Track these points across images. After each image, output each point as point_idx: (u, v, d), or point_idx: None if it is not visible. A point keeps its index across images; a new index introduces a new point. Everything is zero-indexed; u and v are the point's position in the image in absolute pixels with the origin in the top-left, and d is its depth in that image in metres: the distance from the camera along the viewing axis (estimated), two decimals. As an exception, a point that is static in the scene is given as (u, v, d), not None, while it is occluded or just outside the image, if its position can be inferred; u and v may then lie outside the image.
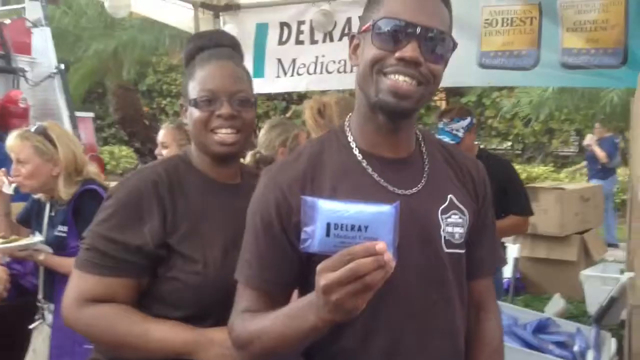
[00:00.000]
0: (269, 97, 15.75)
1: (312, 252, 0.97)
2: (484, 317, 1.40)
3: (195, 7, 4.42)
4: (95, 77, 12.72)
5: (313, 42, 4.08)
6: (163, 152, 3.17)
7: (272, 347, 1.16)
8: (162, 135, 3.21)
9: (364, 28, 1.23)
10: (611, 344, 2.56)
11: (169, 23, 5.02)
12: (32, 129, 2.66)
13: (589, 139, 8.85)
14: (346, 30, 3.95)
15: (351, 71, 3.90)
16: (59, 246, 2.55)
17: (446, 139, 3.34)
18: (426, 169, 1.30)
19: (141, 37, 9.36)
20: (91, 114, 8.93)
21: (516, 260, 4.37)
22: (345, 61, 3.93)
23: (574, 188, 5.37)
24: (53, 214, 2.64)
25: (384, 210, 0.94)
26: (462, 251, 1.30)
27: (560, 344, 2.52)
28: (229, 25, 4.53)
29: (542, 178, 12.64)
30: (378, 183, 1.24)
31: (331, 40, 4.02)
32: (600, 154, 8.63)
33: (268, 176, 1.29)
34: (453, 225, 1.27)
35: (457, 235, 1.27)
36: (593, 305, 3.55)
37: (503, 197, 3.22)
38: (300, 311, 1.07)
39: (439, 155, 1.35)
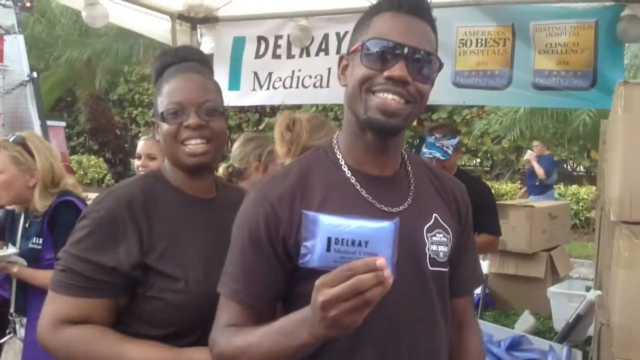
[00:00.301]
0: (242, 109, 15.75)
1: (311, 267, 0.97)
2: (466, 334, 1.44)
3: (173, 19, 4.41)
4: (65, 85, 12.58)
5: (290, 56, 4.10)
6: (150, 164, 3.11)
7: None
8: (147, 146, 3.13)
9: (353, 49, 1.26)
10: (579, 360, 2.62)
11: (146, 34, 4.99)
12: (11, 139, 2.63)
13: (529, 155, 9.10)
14: (323, 46, 3.98)
15: (327, 86, 3.95)
16: (34, 258, 2.51)
17: (437, 154, 3.43)
18: (412, 188, 1.32)
19: (116, 45, 9.29)
20: (62, 123, 8.84)
21: (485, 276, 4.43)
22: (321, 76, 3.97)
23: (543, 206, 5.47)
24: (27, 225, 2.60)
25: (384, 226, 0.96)
26: (446, 269, 1.32)
27: (533, 362, 2.57)
28: (206, 38, 4.53)
29: (509, 195, 12.86)
30: (366, 200, 1.25)
31: (308, 55, 4.04)
32: (539, 170, 8.85)
33: (257, 190, 1.30)
34: (437, 243, 1.30)
35: (441, 254, 1.30)
36: (559, 321, 3.61)
37: (476, 216, 3.29)
38: (292, 327, 1.07)
39: (424, 176, 1.38)
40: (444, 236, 1.31)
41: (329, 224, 0.95)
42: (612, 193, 1.56)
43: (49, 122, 5.47)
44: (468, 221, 1.43)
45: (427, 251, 1.28)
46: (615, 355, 1.60)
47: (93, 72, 9.89)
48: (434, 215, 1.32)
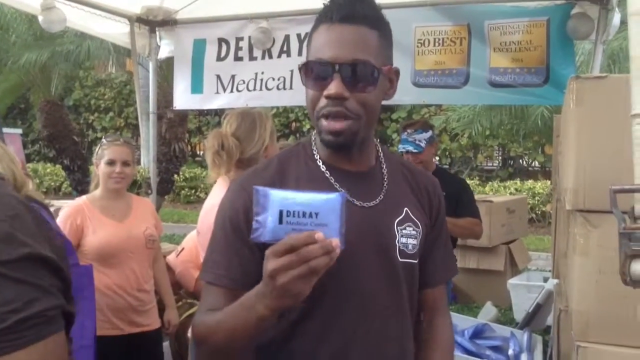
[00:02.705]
0: (202, 112, 15.62)
1: (263, 241, 1.00)
2: (437, 322, 1.48)
3: (132, 22, 4.39)
4: (18, 92, 12.26)
5: (252, 58, 4.12)
6: (126, 171, 3.00)
7: (225, 341, 1.19)
8: (122, 152, 3.00)
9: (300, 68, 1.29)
10: (541, 347, 2.70)
11: (104, 38, 4.94)
12: None
13: None
14: (285, 48, 4.02)
15: (290, 88, 3.98)
16: None
17: (409, 148, 3.49)
18: (385, 184, 1.37)
19: (74, 49, 9.13)
20: (19, 130, 8.62)
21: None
22: (284, 78, 4.00)
23: (501, 200, 5.60)
24: None
25: (332, 197, 0.99)
26: (415, 261, 1.37)
27: (496, 348, 2.64)
28: (165, 41, 4.52)
29: (469, 191, 13.05)
30: None
31: (270, 57, 4.07)
32: None
33: (237, 182, 1.35)
34: (407, 236, 1.35)
35: (410, 246, 1.35)
36: (520, 312, 3.71)
37: (459, 205, 3.47)
38: (249, 301, 1.10)
39: (398, 172, 1.43)
40: (413, 230, 1.36)
41: (281, 197, 0.98)
42: (566, 184, 1.63)
43: (5, 130, 5.34)
44: (440, 216, 1.47)
45: (397, 243, 1.33)
46: (574, 338, 1.67)
47: (48, 78, 9.66)
48: (405, 209, 1.37)
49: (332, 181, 1.32)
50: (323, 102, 1.23)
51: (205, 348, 1.26)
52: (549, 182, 12.36)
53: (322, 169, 1.33)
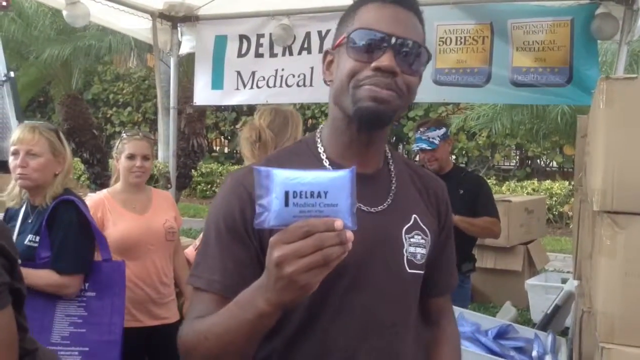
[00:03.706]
0: (219, 108, 15.69)
1: (268, 227, 0.89)
2: (440, 334, 1.43)
3: (154, 17, 4.42)
4: (38, 86, 12.38)
5: (272, 55, 4.14)
6: (145, 165, 3.03)
7: (216, 347, 1.05)
8: (142, 147, 3.03)
9: (337, 42, 1.21)
10: (565, 350, 2.68)
11: (127, 33, 4.99)
12: (41, 125, 2.61)
13: None
14: (305, 45, 4.02)
15: (310, 85, 3.99)
16: (28, 256, 2.44)
17: (423, 145, 3.49)
18: (393, 188, 1.28)
19: (96, 44, 9.23)
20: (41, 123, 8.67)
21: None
22: (304, 75, 4.00)
23: (519, 200, 5.57)
24: (30, 221, 2.54)
25: (341, 174, 0.90)
26: (422, 272, 1.28)
27: (519, 350, 2.61)
28: (187, 37, 4.55)
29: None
30: None
31: (290, 54, 4.08)
32: None
33: (233, 178, 1.23)
34: (415, 245, 1.26)
35: (418, 256, 1.26)
36: (537, 313, 3.69)
37: (475, 203, 3.47)
38: (247, 297, 0.99)
39: (406, 175, 1.34)
40: (422, 238, 1.27)
41: (285, 177, 0.88)
42: (594, 184, 1.62)
43: (26, 122, 5.39)
44: (447, 221, 1.39)
45: (404, 252, 1.24)
46: (598, 340, 1.66)
47: (69, 72, 9.77)
48: (414, 216, 1.28)
49: None
50: (367, 73, 1.15)
51: (201, 355, 1.08)
52: (567, 183, 12.25)
53: (327, 168, 1.23)
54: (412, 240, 1.25)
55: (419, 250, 1.26)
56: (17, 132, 2.53)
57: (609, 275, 1.60)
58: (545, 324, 3.25)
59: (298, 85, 4.04)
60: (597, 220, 1.64)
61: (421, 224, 1.28)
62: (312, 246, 0.86)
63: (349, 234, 0.88)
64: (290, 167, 1.15)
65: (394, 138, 14.58)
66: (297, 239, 0.87)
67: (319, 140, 1.29)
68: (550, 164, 14.93)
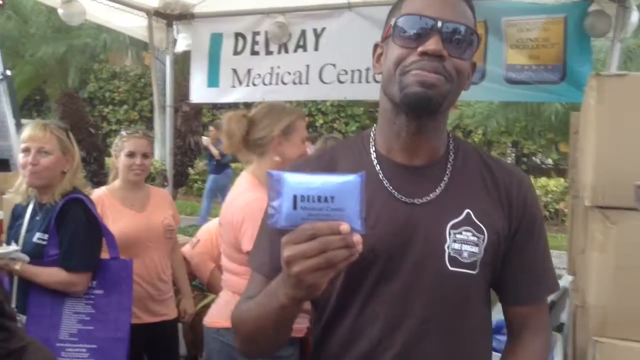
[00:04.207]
0: (215, 106, 15.67)
1: (280, 227, 0.94)
2: (524, 335, 1.32)
3: (149, 15, 4.43)
4: (34, 84, 12.37)
5: (268, 52, 4.14)
6: (145, 163, 3.06)
7: (252, 330, 1.14)
8: (141, 145, 3.06)
9: (385, 33, 1.22)
10: (560, 344, 2.70)
11: (122, 31, 4.99)
12: (52, 123, 2.62)
13: (205, 141, 9.87)
14: (301, 43, 4.03)
15: (306, 82, 4.00)
16: (37, 254, 2.46)
17: None
18: (445, 179, 1.23)
19: (91, 42, 9.23)
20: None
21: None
22: (300, 73, 4.01)
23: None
24: (38, 218, 2.54)
25: (350, 180, 0.92)
26: (472, 272, 1.20)
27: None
28: (182, 35, 4.56)
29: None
30: (386, 188, 1.21)
31: (286, 51, 4.09)
32: (215, 151, 9.63)
33: (290, 168, 1.28)
34: (462, 242, 1.19)
35: (465, 254, 1.19)
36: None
37: None
38: (273, 288, 1.04)
39: (473, 168, 1.28)
40: (473, 235, 1.19)
41: (294, 182, 0.91)
42: (586, 180, 1.64)
43: (23, 121, 5.40)
44: (525, 218, 1.27)
45: (446, 249, 1.18)
46: (591, 334, 1.68)
47: (65, 70, 9.77)
48: (467, 211, 1.21)
49: (381, 176, 1.23)
50: (414, 58, 1.13)
51: (239, 337, 1.20)
52: (562, 180, 12.30)
53: (374, 162, 1.24)
54: (458, 236, 1.19)
55: (466, 247, 1.19)
56: (28, 129, 2.54)
57: (601, 269, 1.62)
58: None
59: (294, 83, 4.04)
60: (589, 215, 1.67)
61: (475, 220, 1.21)
62: (317, 249, 0.89)
63: (357, 238, 0.90)
64: (342, 160, 1.26)
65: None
66: (303, 241, 0.90)
67: (372, 135, 1.30)
68: (546, 162, 14.98)
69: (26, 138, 2.51)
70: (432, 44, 1.11)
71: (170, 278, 3.18)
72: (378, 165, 1.24)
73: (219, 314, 2.44)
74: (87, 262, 2.50)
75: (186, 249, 3.59)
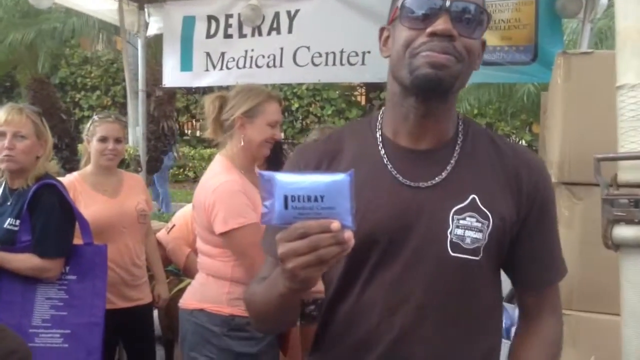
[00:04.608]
0: (189, 90, 15.54)
1: (273, 225, 0.97)
2: (536, 321, 1.33)
3: (120, -2, 4.35)
4: (4, 69, 12.11)
5: (242, 36, 4.10)
6: (118, 148, 3.03)
7: (258, 313, 1.23)
8: (114, 129, 3.03)
9: (391, 16, 1.20)
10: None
11: (93, 15, 4.90)
12: (27, 107, 2.57)
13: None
14: (274, 25, 4.00)
15: (280, 66, 3.97)
16: (8, 240, 2.44)
17: None
18: (452, 162, 1.21)
19: (61, 27, 9.05)
20: (7, 107, 8.50)
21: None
22: (274, 55, 3.98)
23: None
24: (9, 203, 2.51)
25: (338, 179, 0.94)
26: (476, 258, 1.18)
27: (488, 322, 2.68)
28: (154, 18, 4.49)
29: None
30: (390, 172, 1.21)
31: (260, 34, 4.05)
32: None
33: (296, 151, 1.35)
34: (466, 228, 1.17)
35: (468, 240, 1.17)
36: (504, 287, 3.76)
37: None
38: (275, 277, 1.09)
39: (482, 151, 1.25)
40: (477, 221, 1.17)
41: (285, 182, 0.94)
42: (552, 157, 1.68)
43: (11, 104, 5.29)
44: (536, 204, 1.24)
45: (448, 234, 1.17)
46: (558, 308, 1.72)
47: (35, 55, 9.58)
48: (472, 196, 1.19)
49: (385, 160, 1.22)
50: (423, 39, 1.11)
51: (251, 315, 1.28)
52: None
53: (379, 145, 1.24)
54: (462, 222, 1.17)
55: (469, 233, 1.17)
56: (2, 113, 2.50)
57: (567, 244, 1.65)
58: (511, 297, 3.33)
59: (268, 66, 4.01)
60: (556, 192, 1.70)
61: (480, 206, 1.18)
62: (307, 247, 0.92)
63: (348, 234, 0.92)
64: (348, 143, 1.27)
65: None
66: (294, 239, 0.93)
67: (380, 117, 1.29)
68: (520, 142, 15.16)
69: (2, 122, 2.47)
70: (441, 24, 1.10)
71: (145, 263, 3.17)
72: (383, 149, 1.24)
73: (192, 296, 2.45)
74: (60, 248, 2.49)
75: (161, 234, 3.58)
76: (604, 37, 7.46)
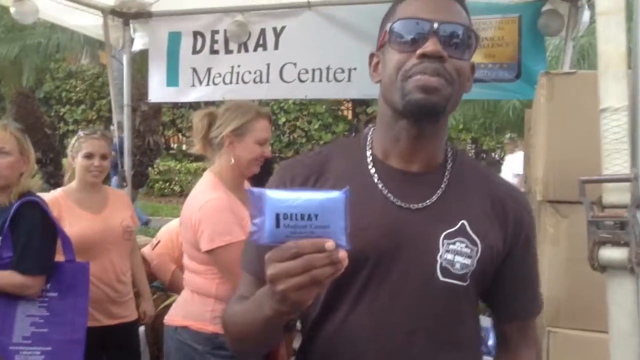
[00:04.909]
0: (176, 105, 15.51)
1: (262, 244, 0.91)
2: (514, 353, 1.34)
3: (105, 14, 4.34)
4: (-13, 83, 12.06)
5: (228, 52, 4.11)
6: (103, 164, 3.01)
7: (239, 334, 1.16)
8: (100, 146, 3.01)
9: (380, 41, 1.21)
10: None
11: (78, 30, 4.88)
12: (10, 124, 2.56)
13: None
14: (261, 42, 4.01)
15: (267, 81, 3.98)
16: None
17: None
18: (442, 187, 1.21)
19: (45, 41, 9.03)
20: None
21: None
22: (260, 71, 3.99)
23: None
24: None
25: (333, 196, 0.90)
26: (463, 283, 1.17)
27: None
28: (139, 33, 4.48)
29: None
30: (381, 192, 1.20)
31: (246, 50, 4.06)
32: None
33: (282, 167, 1.30)
34: (455, 253, 1.16)
35: (457, 265, 1.16)
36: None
37: None
38: (260, 298, 1.03)
39: (470, 179, 1.26)
40: (467, 246, 1.17)
41: (276, 200, 0.88)
42: (537, 175, 1.69)
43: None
44: (521, 237, 1.25)
45: (438, 258, 1.16)
46: (545, 325, 1.73)
47: (19, 70, 9.55)
48: (462, 222, 1.18)
49: (376, 179, 1.21)
50: (414, 61, 1.12)
51: (229, 337, 1.21)
52: (520, 176, 12.55)
53: (369, 165, 1.23)
54: (451, 246, 1.16)
55: (459, 259, 1.16)
56: None
57: (553, 261, 1.67)
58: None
59: (254, 82, 4.02)
60: (541, 209, 1.72)
61: (470, 232, 1.18)
62: (301, 267, 0.87)
63: (342, 254, 0.88)
64: (336, 160, 1.24)
65: (354, 134, 14.67)
66: (287, 259, 0.88)
67: (369, 136, 1.28)
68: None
69: None
70: (430, 46, 1.10)
71: (130, 280, 3.14)
72: (373, 169, 1.23)
73: (177, 312, 2.44)
74: (42, 265, 2.47)
75: (146, 250, 3.55)
76: (586, 54, 7.57)
